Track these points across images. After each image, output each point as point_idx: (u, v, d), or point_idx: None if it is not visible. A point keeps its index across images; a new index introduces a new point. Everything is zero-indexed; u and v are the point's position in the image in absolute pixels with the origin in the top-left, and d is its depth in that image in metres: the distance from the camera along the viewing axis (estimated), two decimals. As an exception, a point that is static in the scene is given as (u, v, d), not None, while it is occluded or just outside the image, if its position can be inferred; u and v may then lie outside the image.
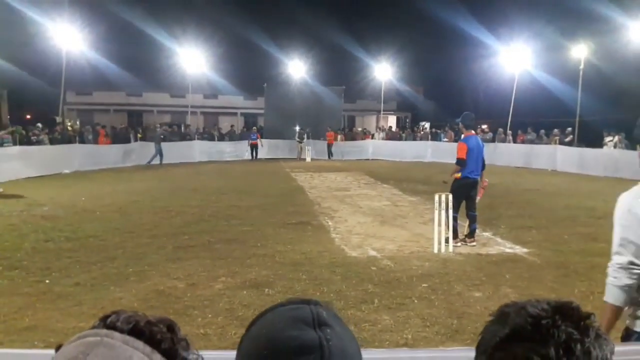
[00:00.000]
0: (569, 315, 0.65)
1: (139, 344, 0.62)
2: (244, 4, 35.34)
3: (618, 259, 2.65)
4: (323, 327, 0.62)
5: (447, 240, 6.56)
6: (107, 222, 8.38)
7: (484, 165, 7.03)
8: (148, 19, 29.16)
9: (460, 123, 7.25)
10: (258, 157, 24.04)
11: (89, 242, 6.97)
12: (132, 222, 8.44)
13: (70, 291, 4.89)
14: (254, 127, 26.19)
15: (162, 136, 20.91)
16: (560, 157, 18.61)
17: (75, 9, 20.96)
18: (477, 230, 7.03)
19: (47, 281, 5.19)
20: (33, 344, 3.63)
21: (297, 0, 35.64)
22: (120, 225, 8.13)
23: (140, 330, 0.63)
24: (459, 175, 6.86)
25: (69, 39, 18.95)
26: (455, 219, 6.74)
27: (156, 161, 20.03)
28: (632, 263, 2.53)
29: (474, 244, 6.83)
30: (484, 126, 23.62)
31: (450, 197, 6.58)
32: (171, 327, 0.67)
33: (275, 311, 0.67)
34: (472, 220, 6.93)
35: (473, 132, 7.20)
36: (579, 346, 0.62)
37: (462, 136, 7.15)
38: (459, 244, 6.77)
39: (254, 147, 24.20)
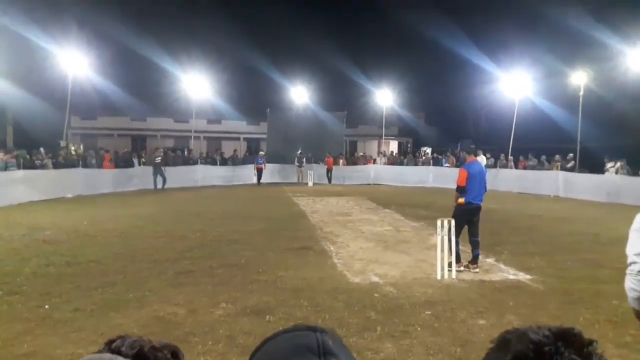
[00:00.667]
0: (571, 341, 0.64)
1: None
2: (247, 31, 36.07)
3: (635, 267, 3.08)
4: (328, 355, 0.61)
5: (450, 265, 6.52)
6: (109, 247, 8.35)
7: (485, 189, 7.05)
8: (153, 46, 29.70)
9: (460, 150, 7.30)
10: (261, 181, 24.07)
11: (89, 267, 6.93)
12: (133, 247, 8.41)
13: (70, 317, 4.85)
14: (261, 152, 26.18)
15: (157, 159, 20.70)
16: (562, 182, 18.60)
17: (82, 35, 21.39)
18: (480, 257, 6.99)
19: (46, 306, 5.15)
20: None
21: (300, 28, 36.30)
22: (121, 250, 8.10)
23: (145, 355, 0.64)
24: (462, 200, 6.86)
25: (75, 64, 19.25)
26: (457, 243, 6.72)
27: (158, 185, 20.03)
28: None
29: (477, 270, 6.78)
30: (487, 154, 23.59)
31: (453, 222, 6.56)
32: (175, 354, 0.67)
33: (280, 337, 0.66)
34: (475, 246, 6.89)
35: (474, 157, 7.24)
36: None
37: (466, 162, 7.16)
38: (461, 268, 6.73)
39: (260, 172, 24.26)
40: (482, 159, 17.64)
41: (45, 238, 9.10)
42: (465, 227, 6.95)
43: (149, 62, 29.51)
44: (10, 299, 5.41)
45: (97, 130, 35.20)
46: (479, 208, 6.93)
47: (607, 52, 21.09)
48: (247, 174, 24.74)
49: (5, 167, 14.79)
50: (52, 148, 19.80)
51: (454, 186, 7.09)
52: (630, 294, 3.17)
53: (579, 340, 0.66)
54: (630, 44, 19.64)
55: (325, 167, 25.46)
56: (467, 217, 6.87)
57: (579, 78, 21.30)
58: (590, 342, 0.65)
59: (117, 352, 0.63)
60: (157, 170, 20.24)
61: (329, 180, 25.06)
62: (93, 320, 4.78)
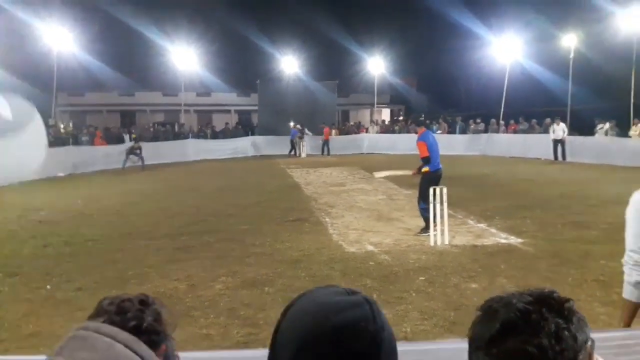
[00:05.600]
0: (552, 304, 0.72)
1: (116, 331, 0.70)
2: (236, 0, 35.24)
3: (634, 255, 2.70)
4: (358, 294, 0.74)
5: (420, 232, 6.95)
6: (106, 225, 8.41)
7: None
8: (139, 17, 28.98)
9: (412, 124, 7.61)
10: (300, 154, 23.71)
11: (88, 246, 7.01)
12: (130, 224, 8.48)
13: (72, 296, 4.94)
14: (297, 125, 24.69)
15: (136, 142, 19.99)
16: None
17: (65, 9, 20.85)
18: (472, 222, 7.16)
19: (48, 287, 5.24)
20: (38, 349, 3.69)
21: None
22: (118, 228, 8.17)
23: (120, 306, 0.79)
24: (427, 169, 7.11)
25: (59, 40, 18.84)
26: (426, 209, 6.85)
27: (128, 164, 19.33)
28: None
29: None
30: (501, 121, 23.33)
31: (445, 189, 6.68)
32: (143, 301, 0.79)
33: (313, 291, 0.77)
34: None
35: (424, 128, 7.43)
36: (566, 333, 0.69)
37: (417, 134, 7.36)
38: (427, 233, 6.82)
39: (293, 144, 23.97)
40: (561, 126, 17.78)
41: (41, 218, 9.14)
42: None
43: (136, 34, 28.89)
44: (11, 281, 5.49)
45: (85, 106, 34.71)
46: (441, 173, 7.26)
47: (597, 14, 20.91)
48: (238, 146, 24.63)
49: (-5, 148, 14.66)
50: None
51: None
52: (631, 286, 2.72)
53: (558, 302, 0.73)
54: (620, 4, 19.47)
55: (322, 137, 25.16)
56: (434, 183, 7.00)
57: (569, 41, 21.20)
58: (567, 300, 0.73)
59: (104, 311, 0.77)
60: (133, 150, 19.61)
61: (328, 151, 24.67)
62: (95, 298, 4.79)
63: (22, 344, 3.83)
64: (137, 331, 0.74)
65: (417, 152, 7.33)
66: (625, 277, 2.83)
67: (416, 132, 7.52)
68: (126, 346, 0.69)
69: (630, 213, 2.73)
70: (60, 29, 18.47)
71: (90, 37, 23.64)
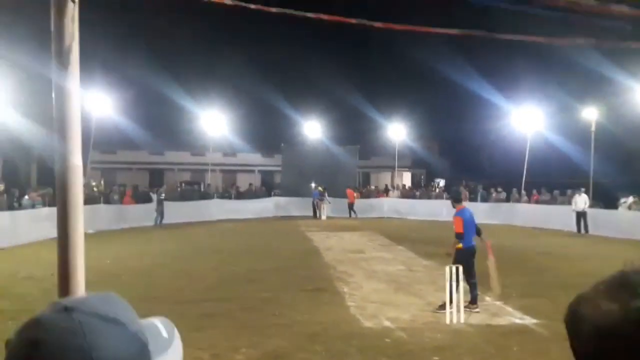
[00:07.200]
0: None
1: None
2: (263, 68, 37.24)
3: None
4: None
5: (467, 306, 6.94)
6: (133, 287, 8.75)
7: (479, 231, 7.55)
8: (171, 83, 30.81)
9: (451, 199, 7.86)
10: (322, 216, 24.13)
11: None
12: (156, 286, 8.82)
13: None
14: (319, 187, 25.24)
15: (161, 195, 21.16)
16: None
17: (102, 73, 22.45)
18: (489, 299, 7.28)
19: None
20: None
21: (313, 65, 37.39)
22: (145, 290, 8.50)
23: None
24: (460, 245, 7.28)
25: (97, 104, 20.22)
26: (474, 285, 7.12)
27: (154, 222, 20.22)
28: None
29: (478, 310, 7.13)
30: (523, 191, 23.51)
31: (461, 268, 6.87)
32: None
33: None
34: (473, 287, 7.24)
35: (463, 204, 7.76)
36: None
37: (455, 210, 7.62)
38: (477, 309, 7.00)
39: (315, 206, 24.46)
40: (583, 198, 18.03)
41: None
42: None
43: (167, 97, 30.66)
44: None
45: (116, 164, 36.24)
46: (475, 249, 7.41)
47: (616, 87, 21.44)
48: (262, 206, 25.18)
49: (33, 205, 15.47)
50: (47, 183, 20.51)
51: None
52: None
53: None
54: (638, 79, 19.95)
55: (347, 200, 25.45)
56: (471, 258, 7.22)
57: (590, 114, 21.61)
58: None
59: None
60: (160, 207, 20.60)
61: (354, 213, 24.83)
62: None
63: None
64: None
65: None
66: None
67: (454, 207, 7.77)
68: None
69: None
70: (98, 93, 19.89)
71: (123, 99, 25.18)
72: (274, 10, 4.41)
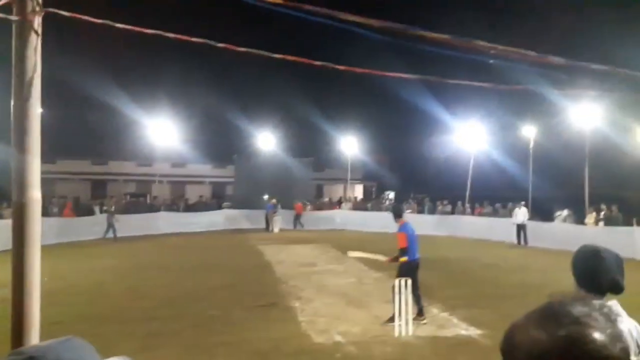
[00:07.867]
0: None
1: None
2: (216, 77, 36.87)
3: None
4: None
5: (415, 318, 7.10)
6: (73, 306, 8.34)
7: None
8: (117, 92, 29.79)
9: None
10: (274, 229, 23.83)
11: (52, 330, 6.87)
12: (98, 305, 8.44)
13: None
14: (271, 198, 24.91)
15: (112, 208, 20.40)
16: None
17: (42, 75, 21.41)
18: (435, 310, 7.50)
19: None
20: None
21: (267, 76, 37.48)
22: (86, 309, 8.12)
23: None
24: (405, 259, 7.47)
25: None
26: (419, 297, 7.32)
27: (109, 234, 19.51)
28: None
29: (425, 321, 7.34)
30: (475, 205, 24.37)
31: (409, 281, 7.04)
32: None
33: None
34: (418, 299, 7.46)
35: (404, 219, 7.95)
36: None
37: (398, 225, 7.77)
38: (393, 323, 7.05)
39: (271, 219, 24.09)
40: (522, 211, 18.85)
41: (3, 296, 8.96)
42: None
43: (113, 106, 29.55)
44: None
45: (56, 174, 34.46)
46: (418, 263, 7.62)
47: (552, 107, 22.78)
48: (211, 220, 24.67)
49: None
50: (8, 197, 19.39)
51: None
52: None
53: None
54: (572, 99, 21.29)
55: (294, 212, 25.57)
56: (414, 272, 7.40)
57: (529, 132, 22.85)
58: None
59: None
60: (111, 220, 19.81)
61: (300, 225, 25.00)
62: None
63: None
64: None
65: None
66: None
67: (396, 222, 7.89)
68: None
69: None
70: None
71: (66, 106, 24.10)
72: (241, 49, 4.39)
